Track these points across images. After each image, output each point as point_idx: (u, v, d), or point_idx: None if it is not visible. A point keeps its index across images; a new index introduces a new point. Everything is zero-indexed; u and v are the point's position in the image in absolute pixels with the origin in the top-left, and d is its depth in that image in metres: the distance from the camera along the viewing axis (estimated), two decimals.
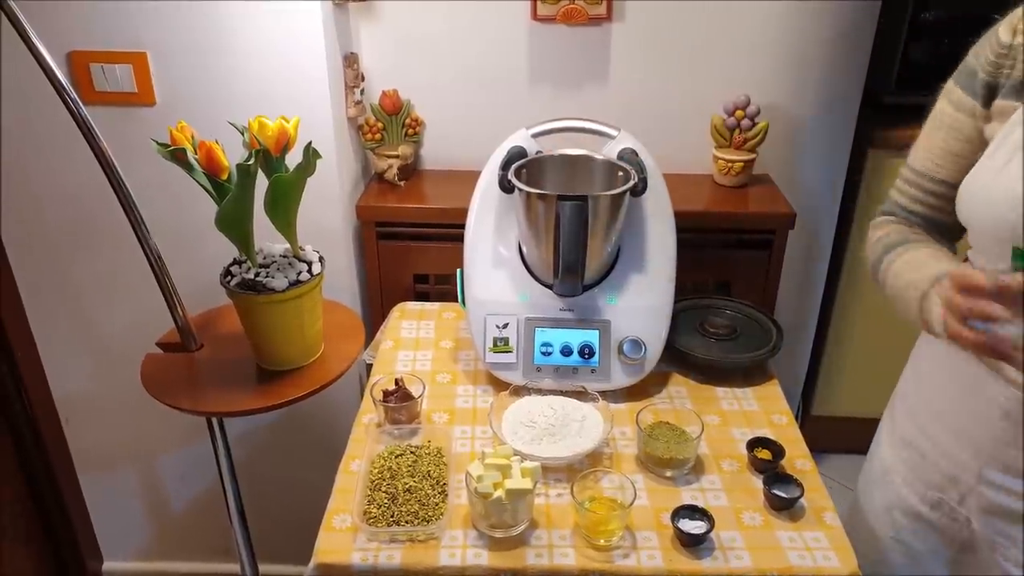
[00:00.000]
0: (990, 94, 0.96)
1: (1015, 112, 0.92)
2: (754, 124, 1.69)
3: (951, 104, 1.01)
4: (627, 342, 1.30)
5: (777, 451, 1.17)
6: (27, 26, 1.10)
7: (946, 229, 1.07)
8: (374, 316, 1.73)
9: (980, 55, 0.97)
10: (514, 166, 1.29)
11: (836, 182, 1.89)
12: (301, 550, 1.12)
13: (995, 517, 1.01)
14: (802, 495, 1.09)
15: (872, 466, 1.21)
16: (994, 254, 0.94)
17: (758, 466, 1.17)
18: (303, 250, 1.34)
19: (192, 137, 1.21)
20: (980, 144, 0.98)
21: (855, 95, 1.78)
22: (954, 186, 1.00)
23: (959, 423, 1.04)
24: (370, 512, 1.07)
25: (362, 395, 1.35)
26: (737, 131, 1.70)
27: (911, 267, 1.02)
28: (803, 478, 1.12)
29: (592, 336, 1.31)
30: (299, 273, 1.29)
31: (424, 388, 1.26)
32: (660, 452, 1.15)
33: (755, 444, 1.19)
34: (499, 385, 1.33)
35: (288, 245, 1.33)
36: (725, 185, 1.75)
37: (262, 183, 1.22)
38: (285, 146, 1.23)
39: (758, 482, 1.14)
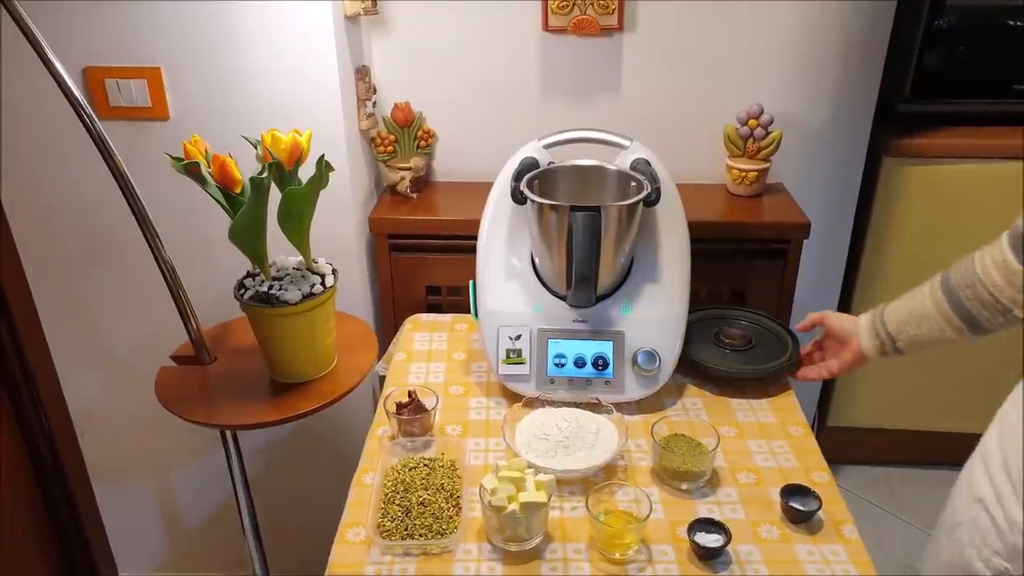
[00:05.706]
0: None
1: None
2: (767, 133, 1.69)
3: None
4: (641, 353, 1.29)
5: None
6: (43, 42, 1.12)
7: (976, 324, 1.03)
8: (387, 328, 1.73)
9: None
10: (526, 177, 1.29)
11: (850, 191, 1.88)
12: (315, 563, 1.12)
13: None
14: (820, 508, 1.08)
15: (944, 516, 1.12)
16: None
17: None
18: (316, 263, 1.34)
19: (206, 151, 1.21)
20: None
21: (869, 103, 1.77)
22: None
23: None
24: (384, 525, 1.06)
25: (375, 408, 1.35)
26: (750, 140, 1.70)
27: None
28: (821, 490, 1.11)
29: (606, 347, 1.30)
30: (312, 286, 1.29)
31: (437, 400, 1.26)
32: (676, 465, 1.14)
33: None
34: (512, 397, 1.32)
35: (301, 258, 1.33)
36: (739, 195, 1.75)
37: (275, 196, 1.22)
38: (298, 159, 1.23)
39: (775, 494, 1.12)
